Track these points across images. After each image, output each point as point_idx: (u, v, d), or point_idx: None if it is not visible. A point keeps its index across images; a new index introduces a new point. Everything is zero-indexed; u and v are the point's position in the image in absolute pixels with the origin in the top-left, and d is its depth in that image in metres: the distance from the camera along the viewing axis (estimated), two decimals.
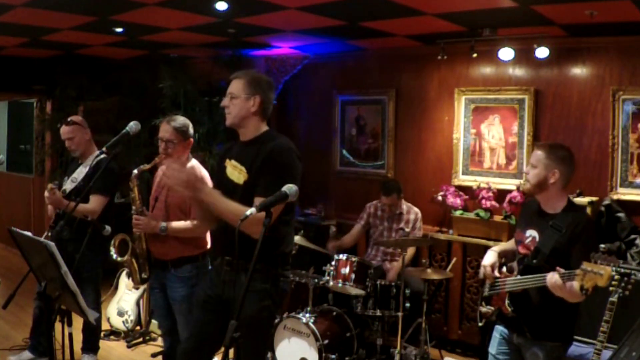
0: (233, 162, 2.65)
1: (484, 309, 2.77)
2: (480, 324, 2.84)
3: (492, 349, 2.77)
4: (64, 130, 3.85)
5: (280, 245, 2.60)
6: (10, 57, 6.12)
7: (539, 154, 2.61)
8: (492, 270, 2.73)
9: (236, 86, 2.62)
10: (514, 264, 2.71)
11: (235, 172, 2.62)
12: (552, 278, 2.32)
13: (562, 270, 2.30)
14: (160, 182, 3.44)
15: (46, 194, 3.62)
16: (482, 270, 2.78)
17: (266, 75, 2.75)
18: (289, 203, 2.26)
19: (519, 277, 2.59)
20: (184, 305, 3.30)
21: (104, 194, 3.74)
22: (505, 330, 2.71)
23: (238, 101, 2.60)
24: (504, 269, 2.75)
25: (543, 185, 2.58)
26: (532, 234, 2.64)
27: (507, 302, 2.61)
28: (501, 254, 2.83)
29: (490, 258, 2.78)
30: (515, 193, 4.45)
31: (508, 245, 2.93)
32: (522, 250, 2.67)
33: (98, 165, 3.61)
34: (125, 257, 3.33)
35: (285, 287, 2.71)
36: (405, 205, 4.72)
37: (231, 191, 2.56)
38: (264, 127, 2.68)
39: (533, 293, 2.53)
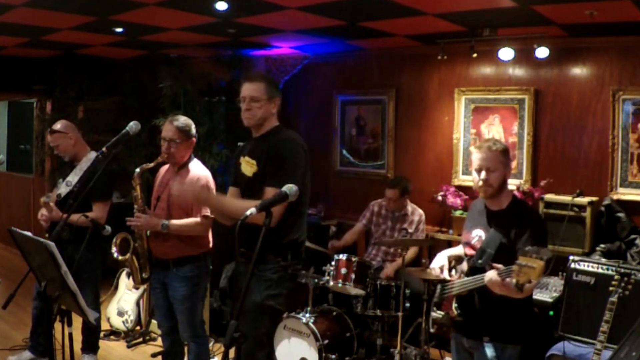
0: (246, 158, 2.84)
1: (434, 314, 2.70)
2: (432, 330, 2.79)
3: (453, 357, 2.74)
4: (48, 139, 3.90)
5: (289, 235, 2.71)
6: (10, 57, 6.12)
7: (493, 156, 2.49)
8: (442, 272, 2.67)
9: (256, 89, 2.78)
10: (464, 266, 2.65)
11: (248, 166, 2.81)
12: (489, 276, 2.28)
13: (501, 267, 2.26)
14: (162, 180, 3.44)
15: (44, 211, 3.66)
16: (432, 272, 2.72)
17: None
18: (300, 194, 2.36)
19: (464, 279, 2.54)
20: (185, 305, 3.30)
21: (105, 199, 3.77)
22: (457, 336, 2.67)
23: (261, 104, 2.77)
24: (453, 272, 2.70)
25: (504, 184, 2.54)
26: (478, 233, 2.59)
27: (454, 305, 2.57)
28: (451, 258, 2.76)
29: (439, 260, 2.72)
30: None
31: (458, 249, 2.85)
32: (468, 251, 2.62)
33: (93, 167, 3.59)
34: (127, 256, 3.33)
35: (294, 280, 2.84)
36: (410, 207, 4.70)
37: (244, 184, 2.82)
38: (275, 123, 2.88)
39: (477, 296, 2.49)
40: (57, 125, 3.89)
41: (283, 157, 2.68)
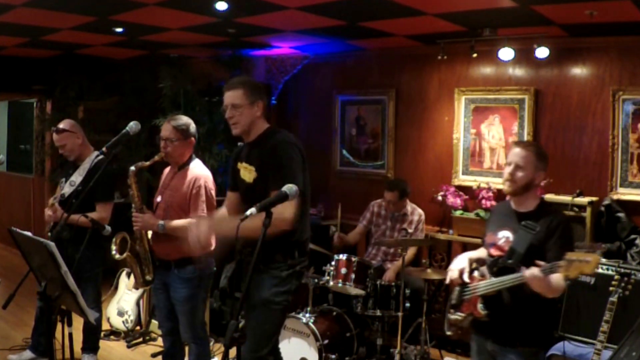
0: (244, 164, 2.84)
1: (452, 316, 2.65)
2: (449, 333, 2.72)
3: (473, 359, 2.72)
4: (55, 138, 3.85)
5: (295, 235, 2.72)
6: (10, 57, 6.12)
7: (526, 155, 2.52)
8: (461, 275, 2.64)
9: (236, 96, 2.75)
10: (485, 269, 2.63)
11: (247, 172, 2.81)
12: (531, 271, 2.25)
13: (543, 264, 2.25)
14: (165, 181, 3.44)
15: (49, 212, 3.65)
16: (449, 274, 2.69)
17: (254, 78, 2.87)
18: (302, 193, 2.40)
19: (493, 279, 2.51)
20: (186, 306, 3.30)
21: (109, 200, 3.77)
22: (480, 339, 2.64)
23: (243, 109, 2.75)
24: (475, 273, 2.67)
25: (529, 186, 2.53)
26: (505, 234, 2.57)
27: (479, 306, 2.53)
28: (471, 260, 2.74)
29: (460, 263, 2.69)
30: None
31: (478, 252, 2.82)
32: (494, 252, 2.59)
33: (96, 167, 3.59)
34: (124, 255, 3.33)
35: (301, 277, 2.87)
36: (410, 207, 4.70)
37: (246, 190, 2.81)
38: (266, 125, 2.85)
39: (506, 296, 2.47)
40: (64, 125, 3.86)
41: (281, 160, 2.67)
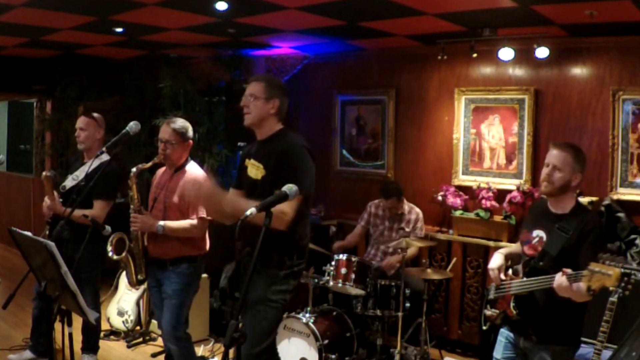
0: (252, 161, 2.85)
1: (488, 312, 2.72)
2: (484, 327, 2.76)
3: (498, 353, 2.72)
4: (80, 119, 3.84)
5: (294, 236, 2.72)
6: (10, 57, 6.12)
7: (565, 156, 2.52)
8: (499, 273, 2.68)
9: (257, 88, 2.80)
10: (519, 267, 2.66)
11: (254, 169, 2.82)
12: (559, 280, 2.27)
13: (569, 271, 2.26)
14: (159, 182, 3.44)
15: (47, 201, 3.64)
16: (490, 274, 2.73)
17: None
18: (305, 198, 2.41)
19: (524, 279, 2.54)
20: (174, 300, 3.29)
21: (107, 199, 3.75)
22: (511, 335, 2.66)
23: (259, 102, 2.78)
24: (510, 271, 2.71)
25: (566, 188, 2.53)
26: (539, 234, 2.59)
27: (512, 304, 2.57)
28: (507, 257, 2.77)
29: (497, 261, 2.73)
30: (515, 193, 4.45)
31: (514, 247, 2.88)
32: (528, 251, 2.63)
33: (99, 165, 3.59)
34: (122, 256, 3.33)
35: (299, 277, 2.85)
36: (407, 206, 4.70)
37: (252, 187, 2.81)
38: (279, 126, 2.86)
39: (539, 295, 2.48)
40: (96, 114, 3.89)
41: (294, 163, 2.67)
